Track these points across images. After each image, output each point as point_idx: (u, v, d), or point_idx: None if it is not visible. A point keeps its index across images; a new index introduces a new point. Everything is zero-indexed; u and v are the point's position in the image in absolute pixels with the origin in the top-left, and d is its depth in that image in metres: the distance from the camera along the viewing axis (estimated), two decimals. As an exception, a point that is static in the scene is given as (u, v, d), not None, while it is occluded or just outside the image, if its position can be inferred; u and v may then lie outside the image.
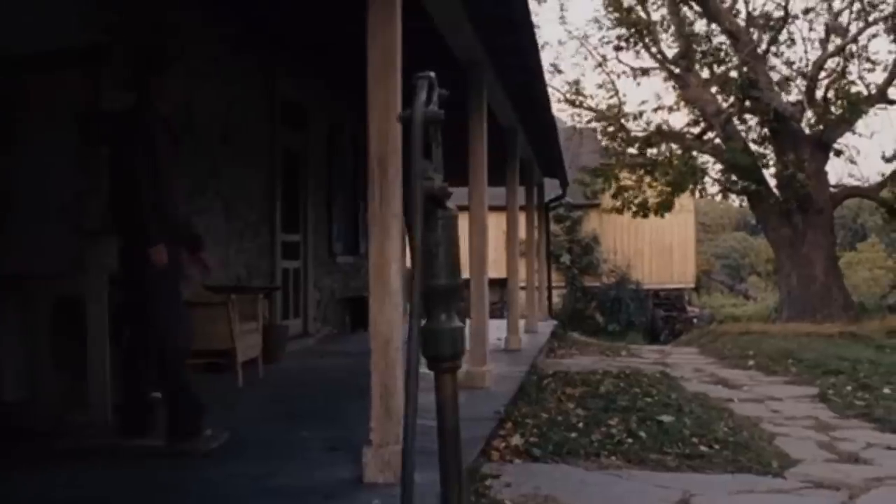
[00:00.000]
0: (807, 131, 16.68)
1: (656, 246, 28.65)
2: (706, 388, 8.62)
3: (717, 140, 16.79)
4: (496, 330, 10.21)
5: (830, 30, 16.32)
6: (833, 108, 15.99)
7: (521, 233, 10.86)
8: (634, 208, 17.36)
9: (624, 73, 18.15)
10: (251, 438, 4.89)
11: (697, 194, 17.37)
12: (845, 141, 17.34)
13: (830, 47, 16.45)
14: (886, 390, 8.36)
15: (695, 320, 26.86)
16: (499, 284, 16.41)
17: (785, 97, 16.93)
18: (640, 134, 17.75)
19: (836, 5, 16.55)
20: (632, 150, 17.64)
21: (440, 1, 5.49)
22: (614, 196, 17.87)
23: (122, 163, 4.70)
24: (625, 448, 5.32)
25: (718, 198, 21.78)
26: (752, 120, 17.18)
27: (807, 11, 16.98)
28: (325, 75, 10.19)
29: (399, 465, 3.95)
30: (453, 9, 5.64)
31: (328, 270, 11.29)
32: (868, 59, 16.67)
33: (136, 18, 6.80)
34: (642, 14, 17.20)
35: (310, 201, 10.59)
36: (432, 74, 2.35)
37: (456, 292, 2.46)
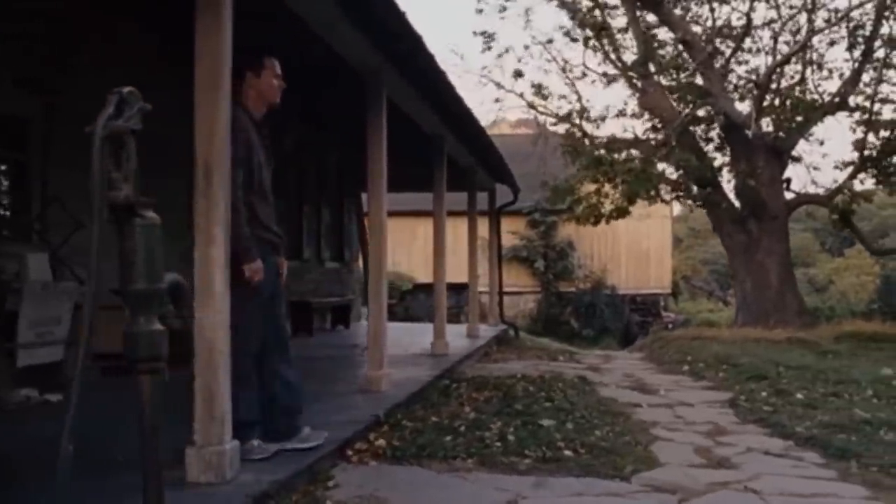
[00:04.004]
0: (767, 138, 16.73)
1: (633, 251, 28.77)
2: (621, 393, 8.66)
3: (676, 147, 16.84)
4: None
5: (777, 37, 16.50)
6: (785, 116, 16.05)
7: (446, 237, 10.87)
8: (587, 212, 17.42)
9: (585, 76, 18.26)
10: (109, 439, 4.93)
11: (651, 202, 17.33)
12: (808, 148, 17.48)
13: (779, 55, 16.54)
14: (799, 395, 8.38)
15: (670, 325, 26.89)
16: (455, 289, 16.55)
17: (747, 105, 16.98)
18: (602, 140, 17.82)
19: (788, 13, 16.68)
20: (597, 153, 17.63)
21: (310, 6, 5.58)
22: (570, 208, 17.93)
23: None
24: (488, 451, 5.38)
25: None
26: (709, 127, 17.28)
27: (766, 24, 17.09)
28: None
29: (222, 466, 4.05)
30: (325, 14, 5.71)
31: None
32: (824, 67, 16.80)
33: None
34: (599, 19, 17.27)
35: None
36: (125, 90, 2.42)
37: (156, 296, 2.53)
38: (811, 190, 17.99)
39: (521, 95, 18.75)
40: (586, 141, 17.90)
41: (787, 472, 5.37)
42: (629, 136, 18.11)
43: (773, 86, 17.32)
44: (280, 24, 6.11)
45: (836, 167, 16.87)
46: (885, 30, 16.30)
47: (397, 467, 5.04)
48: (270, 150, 4.93)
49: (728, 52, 17.72)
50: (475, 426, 6.16)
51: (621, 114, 18.18)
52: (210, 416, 4.09)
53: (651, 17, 17.82)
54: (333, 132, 12.69)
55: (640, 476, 5.01)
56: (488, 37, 17.88)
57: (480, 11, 18.77)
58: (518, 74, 18.21)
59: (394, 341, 11.94)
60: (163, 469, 4.24)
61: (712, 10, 17.79)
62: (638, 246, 28.70)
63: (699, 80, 16.57)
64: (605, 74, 18.34)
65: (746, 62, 18.28)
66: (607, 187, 17.27)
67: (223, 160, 4.13)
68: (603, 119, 18.04)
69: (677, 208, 28.58)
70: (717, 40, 17.65)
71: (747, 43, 17.74)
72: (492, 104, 19.32)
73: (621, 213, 16.83)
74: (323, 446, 4.92)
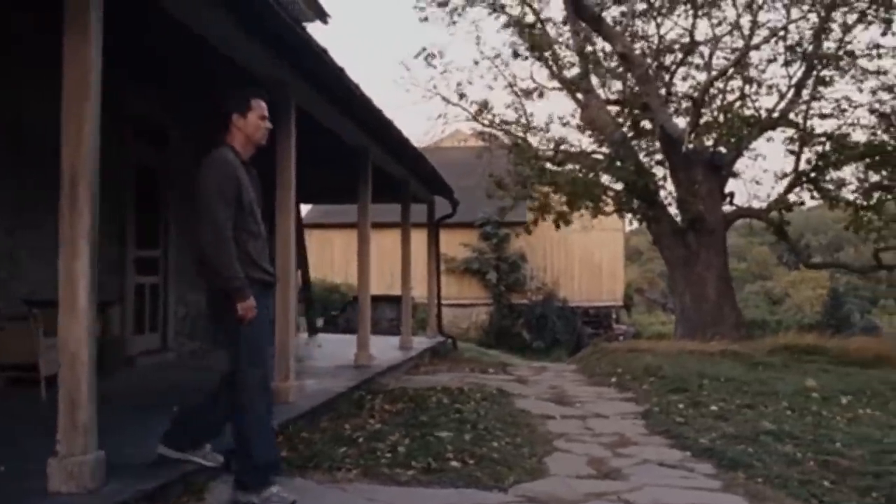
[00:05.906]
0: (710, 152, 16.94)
1: (585, 264, 29.01)
2: (538, 404, 8.70)
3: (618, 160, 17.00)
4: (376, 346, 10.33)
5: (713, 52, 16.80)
6: (723, 132, 16.25)
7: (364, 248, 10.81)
8: (536, 212, 17.59)
9: (531, 91, 18.43)
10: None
11: (593, 213, 17.43)
12: (749, 162, 17.72)
13: (714, 71, 16.78)
14: (714, 407, 8.46)
15: (621, 337, 27.07)
16: (397, 301, 16.56)
17: (685, 119, 17.20)
18: (548, 153, 17.96)
19: (726, 30, 16.95)
20: (543, 165, 17.75)
21: (212, 21, 5.61)
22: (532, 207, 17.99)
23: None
24: (374, 462, 5.40)
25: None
26: (651, 140, 17.50)
27: (706, 41, 17.32)
28: (180, 88, 10.11)
29: (83, 476, 4.04)
30: (221, 27, 5.74)
31: (194, 285, 11.30)
32: (763, 84, 17.06)
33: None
34: (539, 35, 17.43)
35: (171, 216, 10.59)
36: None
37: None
38: (754, 204, 18.26)
39: (467, 112, 18.78)
40: (531, 153, 18.00)
41: (673, 483, 5.45)
42: (574, 149, 18.25)
43: (718, 102, 17.58)
44: (171, 32, 6.10)
45: (772, 183, 17.16)
46: (824, 47, 16.59)
47: (278, 478, 5.04)
48: (259, 190, 4.79)
49: (673, 67, 17.93)
50: (374, 437, 6.18)
51: (566, 125, 18.37)
52: (73, 426, 4.08)
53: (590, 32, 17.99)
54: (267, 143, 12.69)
55: (520, 487, 5.07)
56: (430, 55, 18.01)
57: (425, 20, 18.78)
58: (461, 95, 18.41)
59: (322, 352, 12.01)
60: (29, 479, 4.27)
61: (658, 25, 18.03)
62: (590, 259, 28.96)
63: (634, 94, 16.75)
64: (552, 89, 18.53)
65: (693, 77, 18.50)
66: (554, 196, 17.44)
67: (90, 169, 4.13)
68: (547, 128, 18.16)
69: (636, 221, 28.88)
70: (663, 56, 17.87)
71: (696, 59, 17.98)
72: (442, 116, 19.44)
73: (562, 217, 16.96)
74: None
